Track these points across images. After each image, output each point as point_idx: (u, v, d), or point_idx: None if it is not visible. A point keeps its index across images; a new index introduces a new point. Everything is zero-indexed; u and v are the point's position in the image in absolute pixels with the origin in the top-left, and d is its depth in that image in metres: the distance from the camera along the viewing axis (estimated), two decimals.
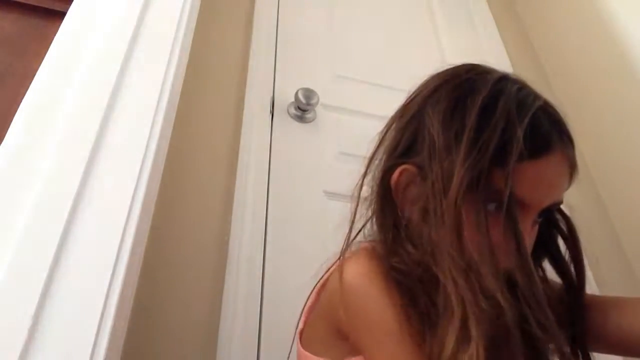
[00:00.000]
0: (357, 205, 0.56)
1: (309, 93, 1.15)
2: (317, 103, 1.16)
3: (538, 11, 1.69)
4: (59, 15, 0.94)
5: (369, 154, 0.57)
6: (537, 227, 0.50)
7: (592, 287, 1.16)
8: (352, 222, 0.55)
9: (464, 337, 0.41)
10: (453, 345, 0.41)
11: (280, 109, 1.20)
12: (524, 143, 0.44)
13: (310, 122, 1.20)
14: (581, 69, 1.46)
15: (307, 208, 1.07)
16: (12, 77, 0.90)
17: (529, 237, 0.47)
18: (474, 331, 0.40)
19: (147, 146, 0.64)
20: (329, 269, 0.57)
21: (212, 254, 0.96)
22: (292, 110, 1.20)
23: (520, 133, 0.44)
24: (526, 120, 0.45)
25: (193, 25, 0.89)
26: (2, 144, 0.58)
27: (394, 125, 0.56)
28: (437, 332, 0.43)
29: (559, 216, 0.54)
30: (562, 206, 0.53)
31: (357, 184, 0.56)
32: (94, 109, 0.64)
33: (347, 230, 0.55)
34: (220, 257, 0.96)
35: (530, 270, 0.44)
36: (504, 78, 0.51)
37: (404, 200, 0.52)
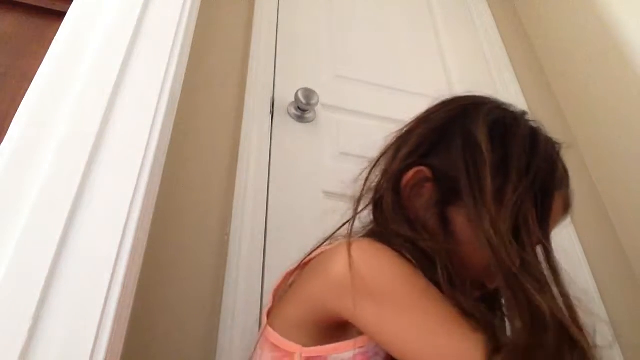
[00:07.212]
0: (362, 194, 0.62)
1: (309, 93, 1.15)
2: (317, 103, 1.16)
3: (538, 11, 1.69)
4: (59, 15, 0.94)
5: (383, 148, 0.63)
6: None
7: (591, 290, 1.16)
8: (356, 210, 0.61)
9: None
10: None
11: (280, 109, 1.20)
12: (555, 175, 0.54)
13: (310, 122, 1.20)
14: (581, 68, 1.46)
15: (306, 208, 1.07)
16: (12, 77, 0.90)
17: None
18: None
19: (147, 146, 0.64)
20: (309, 253, 0.61)
21: (212, 254, 0.96)
22: (292, 110, 1.20)
23: (561, 165, 0.56)
24: (560, 155, 0.57)
25: (193, 25, 0.89)
26: (2, 144, 0.58)
27: (417, 130, 0.61)
28: None
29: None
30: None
31: (365, 176, 0.62)
32: (93, 108, 0.64)
33: (350, 217, 0.60)
34: (220, 257, 0.96)
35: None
36: (525, 113, 0.60)
37: (410, 197, 0.57)
